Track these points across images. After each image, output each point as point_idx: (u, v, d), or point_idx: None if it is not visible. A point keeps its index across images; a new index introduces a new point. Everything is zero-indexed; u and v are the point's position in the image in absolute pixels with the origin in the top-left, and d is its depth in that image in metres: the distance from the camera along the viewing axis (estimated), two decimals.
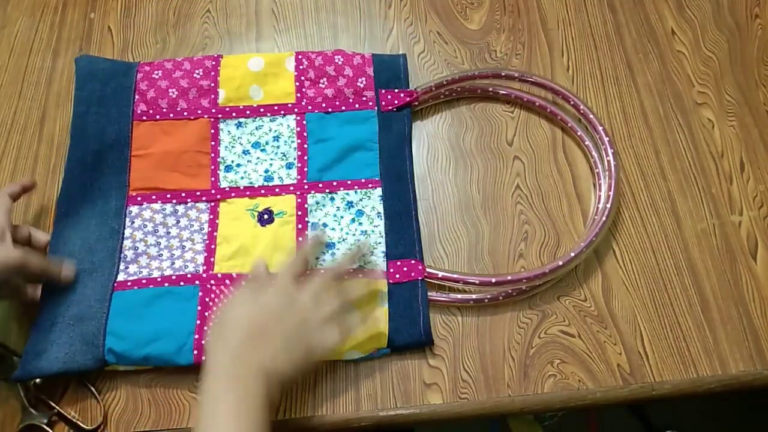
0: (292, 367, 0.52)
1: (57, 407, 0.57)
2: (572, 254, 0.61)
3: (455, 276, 0.61)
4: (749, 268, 0.63)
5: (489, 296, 0.61)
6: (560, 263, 0.61)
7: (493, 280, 0.60)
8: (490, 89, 0.72)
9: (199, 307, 0.60)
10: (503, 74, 0.71)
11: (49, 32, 0.77)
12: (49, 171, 0.69)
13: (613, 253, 0.64)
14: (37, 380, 0.57)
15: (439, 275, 0.61)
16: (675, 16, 0.77)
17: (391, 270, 0.62)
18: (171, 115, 0.69)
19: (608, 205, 0.63)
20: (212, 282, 0.61)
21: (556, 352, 0.59)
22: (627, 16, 0.77)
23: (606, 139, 0.67)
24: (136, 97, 0.69)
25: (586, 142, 0.68)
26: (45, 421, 0.56)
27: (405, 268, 0.62)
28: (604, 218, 0.63)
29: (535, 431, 1.04)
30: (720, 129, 0.70)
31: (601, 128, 0.67)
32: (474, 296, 0.61)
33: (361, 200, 0.65)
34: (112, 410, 0.58)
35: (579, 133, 0.69)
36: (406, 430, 0.87)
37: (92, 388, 0.58)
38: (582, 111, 0.69)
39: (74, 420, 0.57)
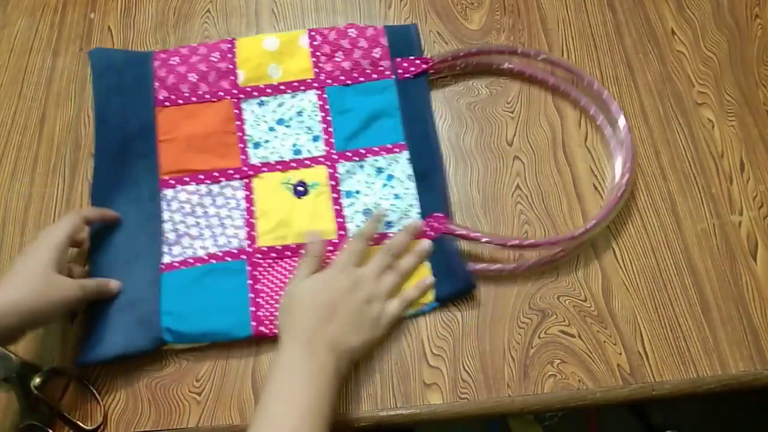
0: (361, 341, 0.57)
1: (57, 407, 0.57)
2: (593, 222, 0.62)
3: (475, 234, 0.63)
4: (749, 268, 0.63)
5: (512, 266, 0.62)
6: (588, 227, 0.62)
7: (524, 244, 0.62)
8: (505, 65, 0.73)
9: (250, 281, 0.62)
10: (519, 51, 0.72)
11: (49, 32, 0.77)
12: (49, 171, 0.69)
13: (613, 253, 0.64)
14: (37, 380, 0.57)
15: (456, 231, 0.63)
16: (675, 16, 0.77)
17: (427, 228, 0.64)
18: (193, 99, 0.70)
19: (623, 182, 0.64)
20: (258, 255, 0.63)
21: (556, 352, 0.59)
22: (627, 16, 0.77)
23: (620, 115, 0.68)
24: (156, 84, 0.71)
25: (599, 120, 0.69)
26: (45, 421, 0.56)
27: (435, 224, 0.63)
28: (619, 194, 0.64)
29: (535, 431, 1.04)
30: (720, 129, 0.70)
31: (614, 106, 0.68)
32: (494, 267, 0.62)
33: (389, 165, 0.67)
34: (112, 410, 0.58)
35: (592, 111, 0.70)
36: (406, 430, 0.87)
37: (92, 388, 0.58)
38: (596, 89, 0.70)
39: (74, 420, 0.57)
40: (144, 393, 0.58)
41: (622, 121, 0.68)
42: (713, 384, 0.58)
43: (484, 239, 0.62)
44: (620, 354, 0.59)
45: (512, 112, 0.72)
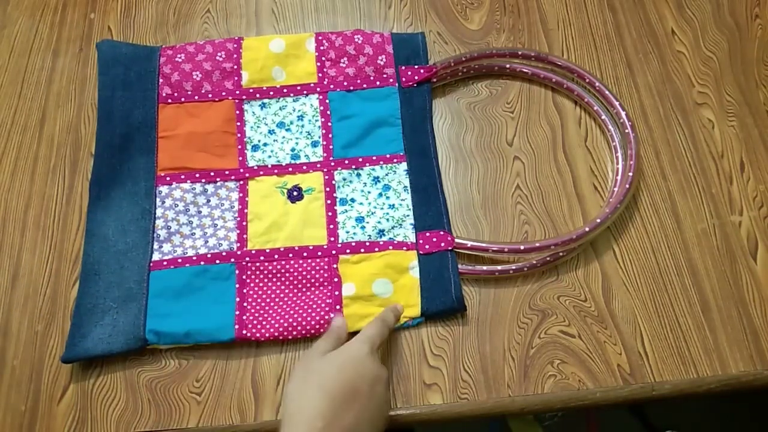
0: None
1: None
2: (598, 220, 0.62)
3: (484, 245, 0.62)
4: (749, 268, 0.63)
5: (514, 267, 0.62)
6: (587, 229, 0.62)
7: (522, 248, 0.62)
8: (507, 66, 0.73)
9: (237, 285, 0.62)
10: (520, 53, 0.72)
11: (49, 32, 0.77)
12: (49, 171, 0.69)
13: (613, 253, 0.64)
14: None
15: (468, 245, 0.63)
16: (675, 16, 0.77)
17: (421, 241, 0.64)
18: (196, 97, 0.70)
19: (630, 174, 0.65)
20: (247, 259, 0.63)
21: (556, 352, 0.59)
22: (627, 16, 0.77)
23: (623, 113, 0.68)
24: (161, 80, 0.71)
25: (603, 117, 0.70)
26: None
27: (434, 239, 0.63)
28: (627, 185, 0.64)
29: (535, 431, 1.04)
30: (720, 129, 0.70)
31: (617, 103, 0.69)
32: (499, 267, 0.62)
33: (387, 175, 0.67)
34: (112, 410, 0.58)
35: (596, 108, 0.70)
36: (406, 430, 0.87)
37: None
38: (597, 87, 0.70)
39: None
40: (144, 393, 0.58)
41: (624, 120, 0.68)
42: (713, 384, 0.58)
43: (493, 249, 0.62)
44: (620, 354, 0.59)
45: (512, 112, 0.72)
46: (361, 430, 0.48)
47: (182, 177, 0.66)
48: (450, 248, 0.63)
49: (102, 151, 0.67)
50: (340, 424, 0.47)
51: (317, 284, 0.62)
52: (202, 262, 0.62)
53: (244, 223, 0.65)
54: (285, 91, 0.71)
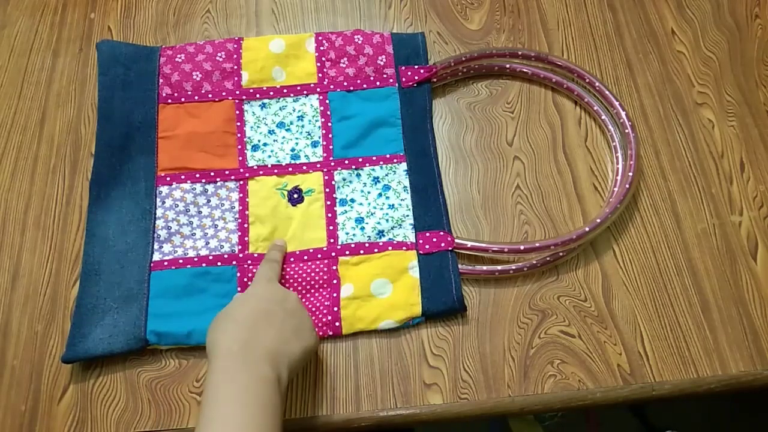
0: (301, 348, 0.52)
1: None
2: (598, 220, 0.62)
3: (484, 245, 0.62)
4: (749, 268, 0.63)
5: (514, 267, 0.62)
6: (587, 229, 0.62)
7: (522, 248, 0.62)
8: (507, 66, 0.73)
9: (239, 288, 0.62)
10: (520, 53, 0.73)
11: (49, 32, 0.77)
12: (49, 171, 0.69)
13: (613, 253, 0.64)
14: None
15: (468, 245, 0.63)
16: (675, 16, 0.77)
17: (421, 241, 0.64)
18: (196, 97, 0.70)
19: (630, 174, 0.65)
20: (249, 262, 0.63)
21: (556, 352, 0.60)
22: (627, 16, 0.77)
23: (623, 113, 0.68)
24: (161, 80, 0.71)
25: (603, 117, 0.70)
26: None
27: (434, 239, 0.63)
28: (627, 185, 0.64)
29: (535, 431, 1.04)
30: (720, 129, 0.70)
31: (617, 103, 0.69)
32: (499, 267, 0.62)
33: (386, 175, 0.67)
34: (112, 410, 0.58)
35: (596, 108, 0.70)
36: (406, 430, 0.87)
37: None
38: (597, 87, 0.70)
39: None
40: (144, 393, 0.58)
41: (624, 120, 0.68)
42: (713, 384, 0.58)
43: (493, 249, 0.62)
44: (620, 354, 0.59)
45: (512, 112, 0.72)
46: (285, 346, 0.51)
47: (182, 177, 0.66)
48: (450, 248, 0.63)
49: (102, 151, 0.68)
50: (260, 344, 0.49)
51: (317, 287, 0.62)
52: (203, 264, 0.62)
53: (246, 225, 0.65)
54: (285, 91, 0.71)
